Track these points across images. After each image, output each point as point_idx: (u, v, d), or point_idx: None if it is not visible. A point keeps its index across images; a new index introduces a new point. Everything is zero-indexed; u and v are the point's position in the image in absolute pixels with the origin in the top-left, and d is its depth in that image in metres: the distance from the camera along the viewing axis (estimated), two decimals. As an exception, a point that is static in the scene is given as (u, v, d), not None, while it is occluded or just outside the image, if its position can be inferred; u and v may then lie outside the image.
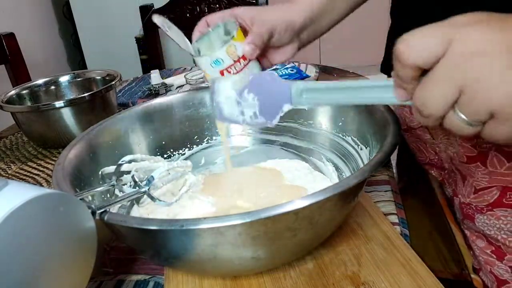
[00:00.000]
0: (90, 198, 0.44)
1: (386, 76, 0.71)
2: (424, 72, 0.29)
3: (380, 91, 0.34)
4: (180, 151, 0.61)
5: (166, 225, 0.33)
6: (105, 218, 0.35)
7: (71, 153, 0.47)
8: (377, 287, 0.39)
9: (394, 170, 0.60)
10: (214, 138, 0.62)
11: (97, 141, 0.51)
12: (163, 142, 0.59)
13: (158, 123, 0.59)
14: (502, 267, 0.55)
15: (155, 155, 0.58)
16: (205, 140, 0.62)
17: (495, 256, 0.56)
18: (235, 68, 0.52)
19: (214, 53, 0.51)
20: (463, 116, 0.28)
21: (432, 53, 0.27)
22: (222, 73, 0.52)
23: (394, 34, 0.63)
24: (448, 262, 0.50)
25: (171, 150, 0.60)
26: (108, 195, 0.48)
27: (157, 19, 0.51)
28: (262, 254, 0.37)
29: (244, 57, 0.52)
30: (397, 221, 0.49)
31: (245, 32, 0.54)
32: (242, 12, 0.54)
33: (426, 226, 0.67)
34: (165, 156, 0.59)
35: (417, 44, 0.28)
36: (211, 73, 0.53)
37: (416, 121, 0.61)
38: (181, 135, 0.61)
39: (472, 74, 0.26)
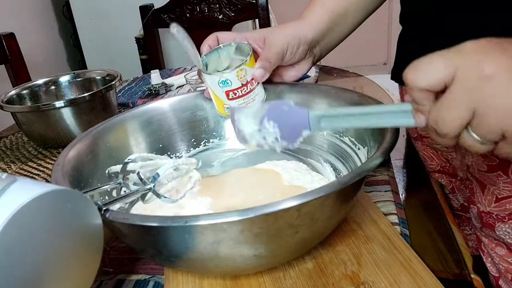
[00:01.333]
0: (88, 197, 0.44)
1: (397, 84, 0.71)
2: (439, 93, 0.30)
3: (398, 115, 0.35)
4: (178, 154, 0.61)
5: (170, 221, 0.33)
6: (107, 216, 0.35)
7: (70, 154, 0.47)
8: (377, 287, 0.39)
9: (394, 171, 0.60)
10: (211, 140, 0.62)
11: (95, 143, 0.51)
12: (160, 145, 0.59)
13: (155, 126, 0.59)
14: None
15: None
16: (202, 143, 0.62)
17: None
18: (241, 91, 0.53)
19: (224, 74, 0.52)
20: (476, 136, 0.29)
21: (438, 77, 0.29)
22: (227, 93, 0.53)
23: (404, 41, 0.63)
24: (448, 262, 0.50)
25: (169, 152, 0.60)
26: (107, 197, 0.48)
27: (175, 27, 0.51)
28: (264, 251, 0.37)
29: (251, 82, 0.53)
30: (397, 221, 0.49)
31: (256, 55, 0.54)
32: (253, 35, 0.55)
33: (426, 226, 0.67)
34: (162, 159, 0.59)
35: (423, 69, 0.30)
36: (216, 91, 0.54)
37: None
38: (178, 137, 0.61)
39: (483, 97, 0.28)
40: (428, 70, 0.29)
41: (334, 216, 0.41)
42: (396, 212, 0.50)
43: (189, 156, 0.61)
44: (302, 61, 0.58)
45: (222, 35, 0.56)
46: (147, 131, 0.58)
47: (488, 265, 0.61)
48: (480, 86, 0.28)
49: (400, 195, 0.55)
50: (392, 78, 0.67)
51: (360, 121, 0.38)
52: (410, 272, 0.40)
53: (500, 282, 0.59)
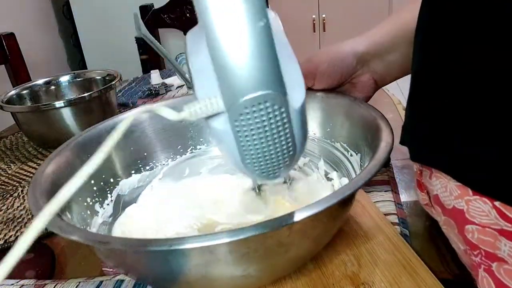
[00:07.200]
0: (69, 216, 0.41)
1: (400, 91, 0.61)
2: None
3: None
4: (163, 162, 0.58)
5: (154, 245, 0.30)
6: (81, 238, 0.32)
7: (48, 169, 0.44)
8: (377, 287, 0.39)
9: (394, 171, 0.60)
10: (198, 147, 0.60)
11: (75, 155, 0.48)
12: (145, 153, 0.56)
13: (138, 133, 0.56)
14: None
15: (137, 166, 0.55)
16: (188, 150, 0.59)
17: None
18: None
19: None
20: None
21: None
22: None
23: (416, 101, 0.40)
24: (448, 262, 0.50)
25: (154, 161, 0.57)
26: (89, 212, 0.46)
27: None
28: (253, 271, 0.35)
29: None
30: (397, 221, 0.49)
31: None
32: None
33: (426, 226, 0.67)
34: (147, 167, 0.56)
35: None
36: None
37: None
38: (164, 145, 0.58)
39: None
40: None
41: (327, 232, 0.39)
42: (396, 212, 0.50)
43: (176, 164, 0.58)
44: (356, 78, 0.52)
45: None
46: (130, 139, 0.55)
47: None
48: None
49: (400, 194, 0.55)
50: (400, 143, 0.44)
51: None
52: (410, 273, 0.40)
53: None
